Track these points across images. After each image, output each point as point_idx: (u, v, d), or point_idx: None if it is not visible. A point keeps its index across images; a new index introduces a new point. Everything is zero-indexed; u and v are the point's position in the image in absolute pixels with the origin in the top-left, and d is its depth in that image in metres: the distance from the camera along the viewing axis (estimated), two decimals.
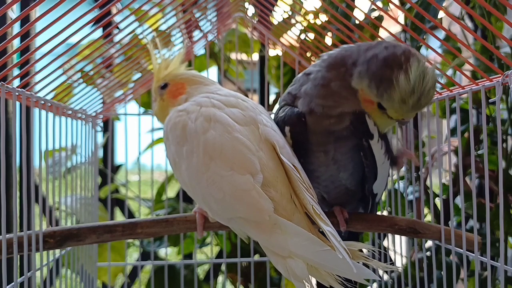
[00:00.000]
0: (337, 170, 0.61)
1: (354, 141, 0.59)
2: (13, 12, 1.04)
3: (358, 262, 0.48)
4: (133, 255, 1.93)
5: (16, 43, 1.10)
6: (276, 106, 0.67)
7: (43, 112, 0.63)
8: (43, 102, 0.62)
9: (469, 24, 1.05)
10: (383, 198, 0.83)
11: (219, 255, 1.15)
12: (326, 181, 0.63)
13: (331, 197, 0.65)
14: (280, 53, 1.03)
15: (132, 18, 0.67)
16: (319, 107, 0.58)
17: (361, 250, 0.51)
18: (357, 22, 0.87)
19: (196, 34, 0.95)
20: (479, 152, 0.98)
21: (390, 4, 0.81)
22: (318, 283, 0.52)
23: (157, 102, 0.67)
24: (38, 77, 0.61)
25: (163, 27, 0.83)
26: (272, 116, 0.64)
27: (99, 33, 0.73)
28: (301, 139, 0.60)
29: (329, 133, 0.59)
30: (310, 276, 0.48)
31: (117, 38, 0.79)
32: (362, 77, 0.55)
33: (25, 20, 1.00)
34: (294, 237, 0.48)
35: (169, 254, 1.57)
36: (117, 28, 0.74)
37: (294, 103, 0.62)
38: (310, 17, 0.94)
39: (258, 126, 0.56)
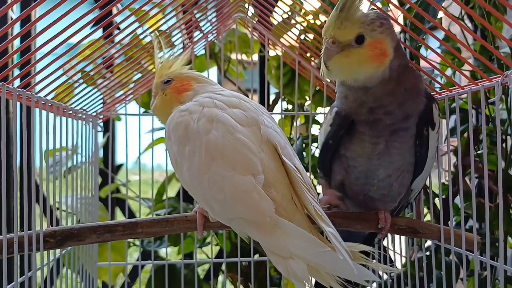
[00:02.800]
0: (378, 166, 0.61)
1: (412, 132, 0.59)
2: (14, 12, 1.04)
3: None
4: (133, 255, 1.93)
5: (17, 43, 1.10)
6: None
7: (44, 112, 0.63)
8: (43, 102, 0.63)
9: (469, 24, 1.05)
10: None
11: (219, 254, 1.15)
12: (360, 174, 0.62)
13: (352, 192, 0.64)
14: (280, 53, 1.03)
15: (133, 18, 0.67)
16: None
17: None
18: None
19: (196, 34, 0.96)
20: (479, 152, 0.98)
21: (389, 4, 0.81)
22: (316, 283, 0.52)
23: (158, 96, 0.66)
24: (38, 77, 0.61)
25: (163, 28, 0.83)
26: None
27: (99, 33, 0.73)
28: (345, 125, 0.60)
29: (386, 126, 0.58)
30: (310, 277, 0.48)
31: (117, 39, 0.79)
32: None
33: (25, 20, 1.00)
34: (295, 238, 0.48)
35: (169, 253, 1.56)
36: (118, 28, 0.74)
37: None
38: (310, 17, 0.94)
39: (260, 127, 0.56)
